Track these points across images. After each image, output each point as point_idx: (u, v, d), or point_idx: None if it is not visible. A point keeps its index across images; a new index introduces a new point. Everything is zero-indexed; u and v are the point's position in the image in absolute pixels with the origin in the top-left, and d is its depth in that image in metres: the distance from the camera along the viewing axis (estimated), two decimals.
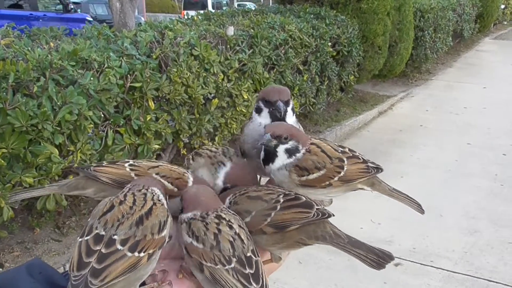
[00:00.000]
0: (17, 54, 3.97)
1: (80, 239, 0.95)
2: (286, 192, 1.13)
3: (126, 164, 1.16)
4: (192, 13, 8.83)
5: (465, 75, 12.26)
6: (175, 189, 1.14)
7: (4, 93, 3.58)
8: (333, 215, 1.10)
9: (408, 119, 8.83)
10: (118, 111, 4.52)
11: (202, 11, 7.72)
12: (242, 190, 1.16)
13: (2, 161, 3.56)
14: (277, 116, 1.23)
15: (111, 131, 4.43)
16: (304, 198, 1.12)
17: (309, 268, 4.21)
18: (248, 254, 1.01)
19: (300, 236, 1.11)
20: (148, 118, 4.61)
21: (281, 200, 1.10)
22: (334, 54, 7.55)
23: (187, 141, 5.23)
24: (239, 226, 1.06)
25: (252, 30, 6.17)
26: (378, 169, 1.25)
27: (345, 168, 1.19)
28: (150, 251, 0.95)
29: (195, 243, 1.01)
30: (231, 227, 1.04)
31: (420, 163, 6.63)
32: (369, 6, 8.23)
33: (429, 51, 11.33)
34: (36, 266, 1.02)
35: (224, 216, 1.06)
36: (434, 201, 5.45)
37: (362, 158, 1.24)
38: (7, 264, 4.01)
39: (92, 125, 4.12)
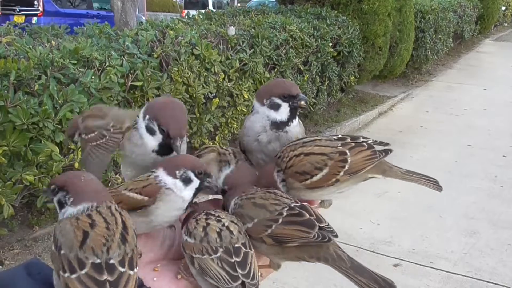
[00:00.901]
0: (18, 52, 3.98)
1: (72, 275, 0.87)
2: (292, 205, 1.10)
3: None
4: (193, 12, 8.83)
5: (466, 77, 12.27)
6: (145, 198, 1.09)
7: (6, 91, 3.58)
8: (337, 237, 1.07)
9: (408, 120, 8.84)
10: None
11: (203, 11, 7.73)
12: (249, 193, 1.15)
13: (3, 158, 3.56)
14: (300, 110, 1.23)
15: None
16: (308, 216, 1.08)
17: (309, 268, 4.20)
18: (237, 245, 1.01)
19: (301, 254, 1.09)
20: None
21: (284, 214, 1.08)
22: (335, 54, 7.55)
23: (188, 140, 5.24)
24: (231, 221, 1.06)
25: (253, 30, 6.17)
26: (387, 151, 1.20)
27: (349, 161, 1.15)
28: (137, 262, 0.94)
29: (188, 239, 1.03)
30: (219, 221, 1.05)
31: (420, 164, 6.63)
32: (370, 7, 8.23)
33: (429, 52, 11.34)
34: (34, 266, 1.02)
35: (213, 212, 1.08)
36: (434, 202, 5.45)
37: (368, 143, 1.19)
38: (7, 262, 4.02)
39: None
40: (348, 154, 1.15)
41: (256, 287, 1.00)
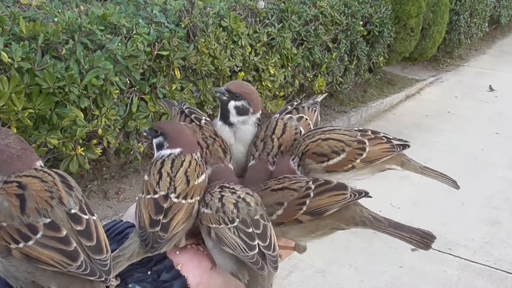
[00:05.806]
0: (47, 16, 3.99)
1: (29, 242, 0.83)
2: (314, 179, 1.12)
3: None
4: None
5: (499, 63, 11.91)
6: None
7: (33, 54, 3.61)
8: (369, 195, 1.10)
9: (436, 104, 8.65)
10: (144, 78, 4.53)
11: None
12: (262, 186, 1.16)
13: (29, 121, 3.61)
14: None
15: (136, 98, 4.45)
16: (335, 182, 1.11)
17: (325, 246, 4.20)
18: (256, 217, 1.04)
19: (338, 223, 1.12)
20: (173, 87, 4.62)
21: (313, 187, 1.09)
22: (365, 33, 7.39)
23: (211, 112, 5.23)
24: (247, 193, 1.08)
25: (283, 4, 6.07)
26: (405, 145, 1.24)
27: (367, 150, 1.18)
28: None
29: (205, 210, 1.05)
30: (233, 193, 1.07)
31: (445, 149, 6.51)
32: None
33: (463, 36, 11.00)
34: None
35: (226, 185, 1.10)
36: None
37: (386, 138, 1.23)
38: None
39: (117, 91, 4.14)
40: (367, 143, 1.19)
41: (276, 259, 1.02)
